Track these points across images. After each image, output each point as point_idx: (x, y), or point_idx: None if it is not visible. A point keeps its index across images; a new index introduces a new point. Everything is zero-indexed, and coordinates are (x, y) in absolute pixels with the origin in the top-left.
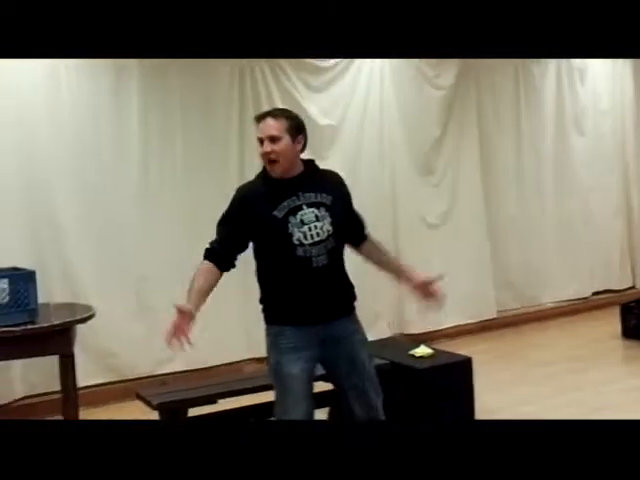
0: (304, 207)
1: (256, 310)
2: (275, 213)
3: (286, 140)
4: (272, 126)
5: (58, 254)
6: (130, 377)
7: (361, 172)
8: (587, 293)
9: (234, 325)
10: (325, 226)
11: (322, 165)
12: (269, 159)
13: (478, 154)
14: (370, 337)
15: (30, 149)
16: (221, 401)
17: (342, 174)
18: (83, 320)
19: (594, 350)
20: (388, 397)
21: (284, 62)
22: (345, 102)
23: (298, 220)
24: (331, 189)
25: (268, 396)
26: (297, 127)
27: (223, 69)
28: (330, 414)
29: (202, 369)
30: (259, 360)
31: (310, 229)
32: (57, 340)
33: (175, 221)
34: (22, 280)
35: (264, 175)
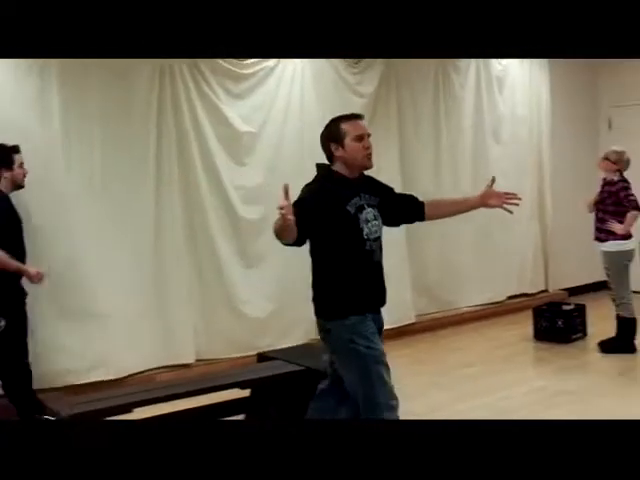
0: (365, 206)
1: (170, 318)
2: (348, 208)
3: None
4: (365, 126)
5: None
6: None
7: (281, 179)
8: (502, 297)
9: (147, 334)
10: (379, 225)
11: (241, 171)
12: (369, 154)
13: (398, 162)
14: (287, 343)
15: None
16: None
17: (260, 180)
18: None
19: (507, 353)
20: (304, 403)
21: (204, 67)
22: (266, 109)
23: (364, 217)
24: (376, 192)
25: (185, 404)
26: None
27: (143, 70)
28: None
29: (115, 379)
30: (171, 368)
31: (372, 226)
32: None
33: (95, 222)
34: None
35: (329, 175)
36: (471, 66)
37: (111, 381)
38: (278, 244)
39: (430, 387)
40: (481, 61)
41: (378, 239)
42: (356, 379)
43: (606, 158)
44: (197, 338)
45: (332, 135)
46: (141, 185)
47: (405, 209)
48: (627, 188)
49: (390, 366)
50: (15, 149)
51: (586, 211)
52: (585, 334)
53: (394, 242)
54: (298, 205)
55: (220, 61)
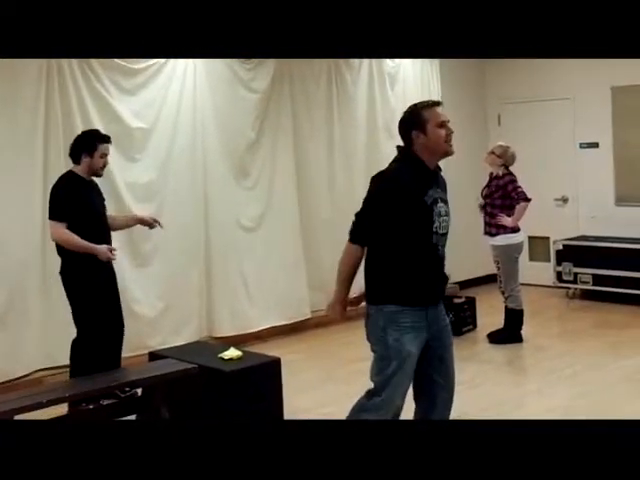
0: (439, 200)
1: (58, 318)
2: (425, 199)
3: None
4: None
5: None
6: None
7: (173, 175)
8: None
9: (35, 335)
10: (449, 221)
11: (132, 168)
12: (451, 140)
13: (293, 158)
14: (178, 341)
15: None
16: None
17: (152, 177)
18: None
19: None
20: (198, 401)
21: (94, 62)
22: (158, 104)
23: (438, 210)
24: (446, 189)
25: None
26: None
27: (30, 65)
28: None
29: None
30: (57, 368)
31: (442, 221)
32: None
33: None
34: None
35: (411, 161)
36: (363, 63)
37: None
38: (168, 243)
39: (324, 381)
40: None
41: (445, 235)
42: (376, 366)
43: (492, 152)
44: None
45: (413, 122)
46: (28, 184)
47: None
48: (514, 181)
49: (284, 362)
50: (104, 138)
51: (476, 206)
52: (475, 326)
53: (290, 240)
54: (376, 193)
55: None
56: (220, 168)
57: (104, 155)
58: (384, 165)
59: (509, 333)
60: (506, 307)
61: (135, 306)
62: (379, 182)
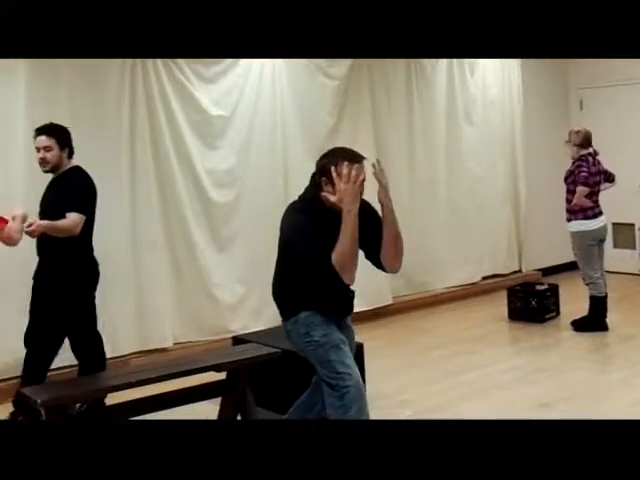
0: None
1: (146, 303)
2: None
3: None
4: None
5: None
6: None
7: (253, 162)
8: (476, 278)
9: (122, 318)
10: None
11: (212, 155)
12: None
13: (373, 144)
14: (259, 326)
15: None
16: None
17: (232, 164)
18: None
19: (481, 333)
20: (280, 386)
21: None
22: (237, 92)
23: None
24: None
25: (161, 388)
26: None
27: (113, 60)
28: (222, 404)
29: None
30: (148, 352)
31: None
32: None
33: None
34: None
35: (316, 204)
36: None
37: None
38: (249, 227)
39: (404, 367)
40: None
41: None
42: (320, 369)
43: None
44: (173, 322)
45: (322, 171)
46: (115, 173)
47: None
48: (580, 166)
49: (366, 347)
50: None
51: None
52: (558, 313)
53: None
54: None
55: None
56: (299, 154)
57: (37, 149)
58: (464, 151)
59: (593, 321)
60: (590, 294)
61: (216, 291)
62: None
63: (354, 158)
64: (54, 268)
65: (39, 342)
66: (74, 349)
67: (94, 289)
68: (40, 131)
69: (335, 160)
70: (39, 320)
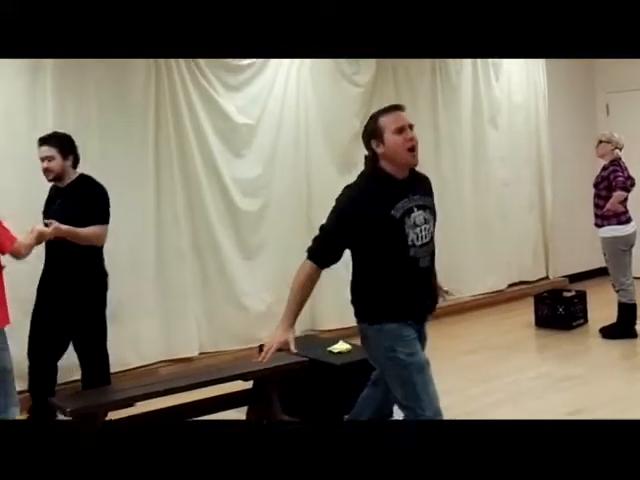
0: (415, 209)
1: (172, 311)
2: (393, 213)
3: None
4: (406, 117)
5: None
6: None
7: (278, 171)
8: (503, 285)
9: (149, 327)
10: (430, 228)
11: (239, 163)
12: (412, 146)
13: None
14: None
15: None
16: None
17: (258, 172)
18: None
19: (509, 340)
20: (307, 393)
21: (201, 60)
22: (263, 100)
23: (412, 222)
24: (430, 192)
25: (188, 397)
26: None
27: (140, 63)
28: (249, 413)
29: (117, 372)
30: (174, 362)
31: (421, 231)
32: None
33: None
34: None
35: (375, 175)
36: None
37: (113, 374)
38: (276, 235)
39: (438, 374)
40: None
41: (426, 244)
42: (399, 389)
43: (600, 141)
44: (200, 331)
45: (371, 131)
46: (141, 181)
47: None
48: (616, 171)
49: None
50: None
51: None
52: (586, 320)
53: None
54: (338, 217)
55: None
56: (324, 162)
57: (41, 159)
58: (489, 157)
59: (622, 328)
60: (619, 301)
61: (244, 299)
62: (341, 202)
63: (393, 108)
64: (63, 277)
65: (43, 353)
66: (80, 361)
67: (104, 302)
68: (42, 141)
69: (377, 116)
70: (42, 331)
